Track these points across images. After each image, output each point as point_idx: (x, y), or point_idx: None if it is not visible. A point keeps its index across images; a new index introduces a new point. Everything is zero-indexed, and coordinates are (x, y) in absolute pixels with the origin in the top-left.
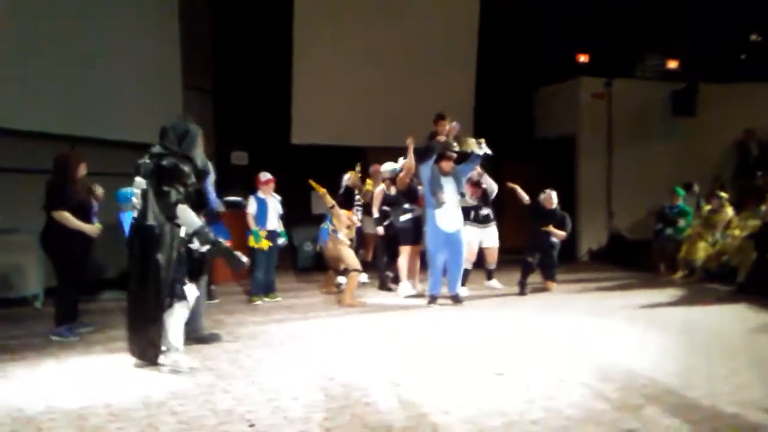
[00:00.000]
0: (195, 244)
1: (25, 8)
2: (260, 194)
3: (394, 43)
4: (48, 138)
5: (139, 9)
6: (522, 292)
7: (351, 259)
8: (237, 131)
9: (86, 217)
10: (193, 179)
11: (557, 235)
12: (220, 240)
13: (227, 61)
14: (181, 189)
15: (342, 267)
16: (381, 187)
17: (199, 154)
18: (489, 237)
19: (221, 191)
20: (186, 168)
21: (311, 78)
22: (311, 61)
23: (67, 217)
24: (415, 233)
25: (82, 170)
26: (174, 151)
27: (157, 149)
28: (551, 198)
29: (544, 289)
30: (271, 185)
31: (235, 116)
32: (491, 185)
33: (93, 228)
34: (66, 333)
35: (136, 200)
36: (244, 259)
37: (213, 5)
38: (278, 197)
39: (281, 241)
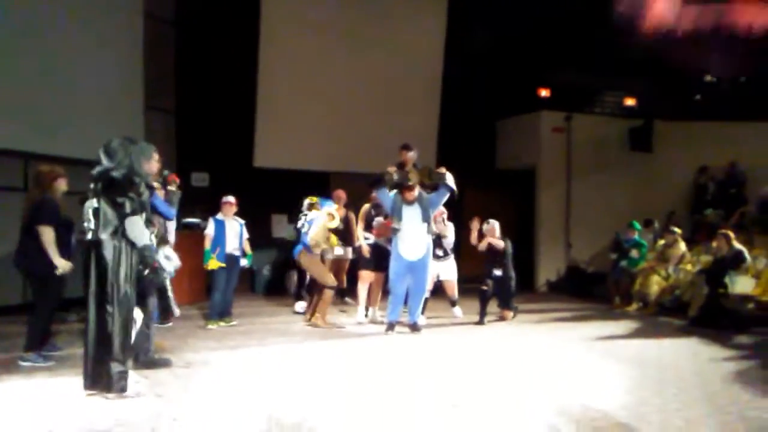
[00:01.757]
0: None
1: None
2: (220, 216)
3: (359, 70)
4: (4, 154)
5: (101, 29)
6: (480, 321)
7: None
8: (198, 152)
9: (69, 234)
10: (144, 191)
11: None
12: (160, 272)
13: (190, 82)
14: (135, 199)
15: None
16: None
17: (143, 171)
18: (446, 270)
19: (180, 212)
20: (136, 179)
21: (275, 101)
22: (275, 85)
23: (49, 238)
24: (375, 260)
25: (62, 185)
26: (116, 167)
27: (98, 168)
28: (494, 230)
29: (503, 319)
30: (231, 207)
31: (197, 137)
32: (448, 242)
33: (64, 264)
34: (37, 358)
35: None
36: (176, 311)
37: (176, 25)
38: (241, 221)
39: (244, 262)
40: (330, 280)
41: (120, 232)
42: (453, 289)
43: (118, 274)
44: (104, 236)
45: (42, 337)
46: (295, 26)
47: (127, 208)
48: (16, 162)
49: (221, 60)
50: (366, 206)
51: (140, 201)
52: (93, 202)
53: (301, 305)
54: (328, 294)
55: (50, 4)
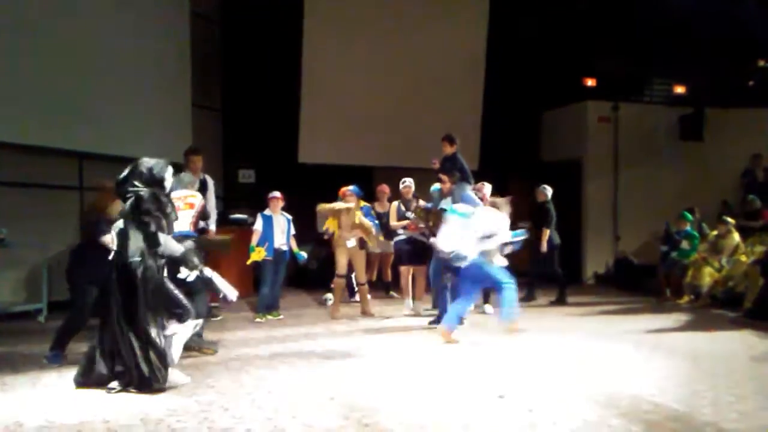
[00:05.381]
0: (183, 273)
1: (36, 25)
2: (267, 212)
3: (402, 64)
4: (55, 153)
5: (150, 29)
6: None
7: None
8: (245, 150)
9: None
10: (170, 207)
11: None
12: (204, 270)
13: (236, 81)
14: (162, 218)
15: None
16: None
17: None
18: None
19: (228, 209)
20: (162, 198)
21: (319, 98)
22: (319, 81)
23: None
24: (412, 254)
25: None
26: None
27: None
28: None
29: (550, 309)
30: (278, 203)
31: (243, 135)
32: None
33: None
34: (53, 359)
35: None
36: (231, 294)
37: (223, 26)
38: (288, 216)
39: (301, 260)
40: (339, 269)
41: (146, 251)
42: None
43: (148, 289)
44: (133, 255)
45: (68, 340)
46: (337, 22)
47: (152, 227)
48: (71, 162)
49: (266, 58)
50: (395, 203)
51: (168, 218)
52: (119, 224)
53: (327, 296)
54: (336, 282)
55: (97, 6)
